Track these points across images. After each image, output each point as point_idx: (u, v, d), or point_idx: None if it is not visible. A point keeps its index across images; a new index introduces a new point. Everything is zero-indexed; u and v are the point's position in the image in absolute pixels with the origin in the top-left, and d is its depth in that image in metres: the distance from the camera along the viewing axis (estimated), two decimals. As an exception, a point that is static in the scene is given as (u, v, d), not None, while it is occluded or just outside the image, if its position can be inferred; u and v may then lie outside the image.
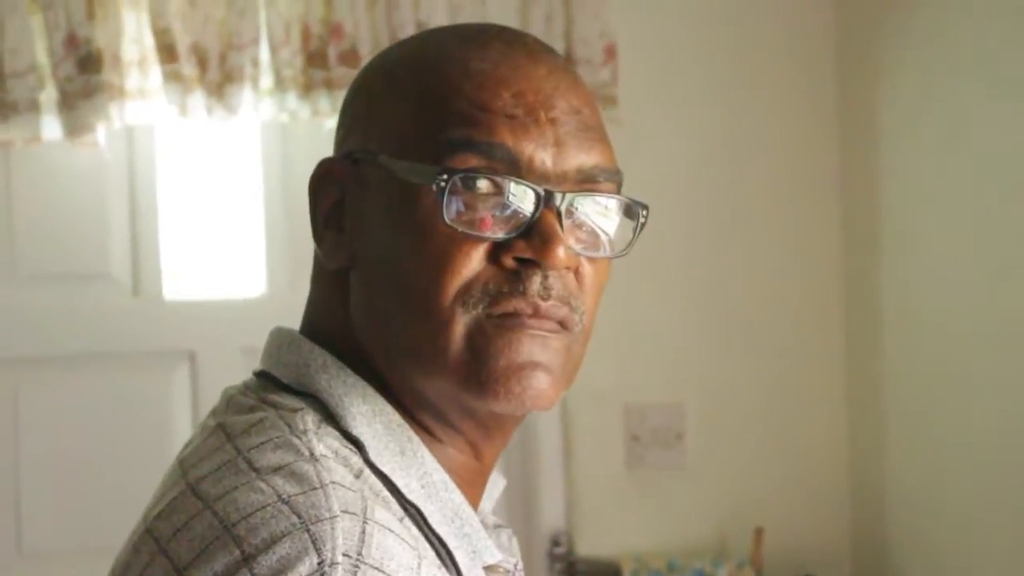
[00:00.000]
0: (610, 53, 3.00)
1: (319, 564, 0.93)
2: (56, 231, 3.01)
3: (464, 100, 1.05)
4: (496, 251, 1.04)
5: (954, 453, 2.87)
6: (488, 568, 1.09)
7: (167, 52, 2.77)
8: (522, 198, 1.04)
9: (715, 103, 3.18)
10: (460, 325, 1.04)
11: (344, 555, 0.94)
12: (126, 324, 3.04)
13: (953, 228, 2.86)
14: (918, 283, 2.98)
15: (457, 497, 1.07)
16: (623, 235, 1.11)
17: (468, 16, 2.90)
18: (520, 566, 1.14)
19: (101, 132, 2.80)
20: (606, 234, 1.10)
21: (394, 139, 1.07)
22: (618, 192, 1.10)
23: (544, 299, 1.04)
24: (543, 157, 1.05)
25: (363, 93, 1.12)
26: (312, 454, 1.00)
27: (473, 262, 1.04)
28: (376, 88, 1.11)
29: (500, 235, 1.04)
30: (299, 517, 0.94)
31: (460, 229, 1.03)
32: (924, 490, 2.98)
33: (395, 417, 1.07)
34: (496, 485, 1.19)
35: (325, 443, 1.02)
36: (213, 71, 2.79)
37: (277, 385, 1.09)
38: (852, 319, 3.20)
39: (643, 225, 1.11)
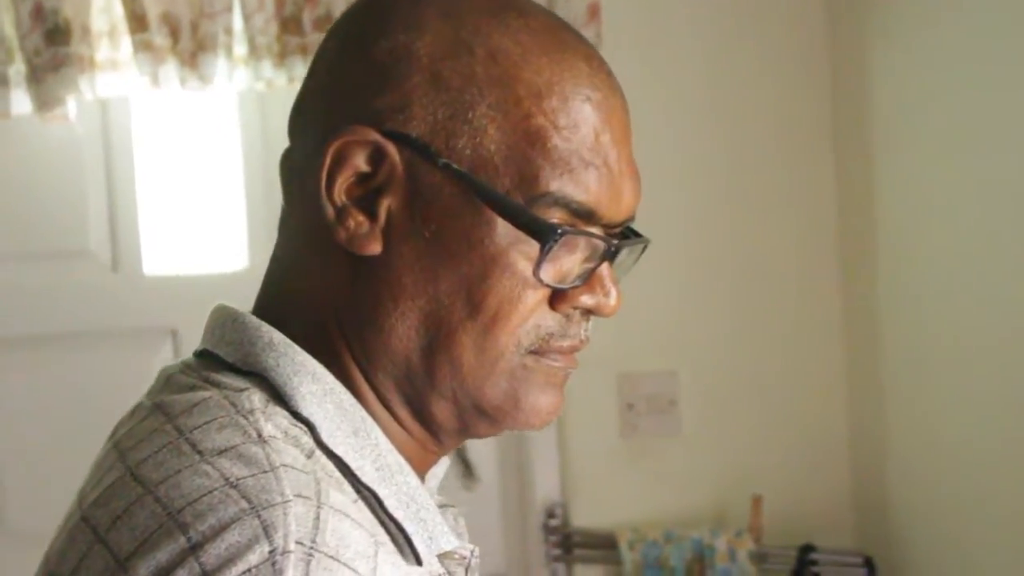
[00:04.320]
0: (593, 12, 2.92)
1: (270, 553, 0.88)
2: (32, 208, 2.96)
3: (561, 141, 1.02)
4: (553, 295, 1.04)
5: (954, 419, 2.81)
6: (444, 555, 1.05)
7: (137, 21, 2.70)
8: (588, 248, 1.05)
9: (704, 65, 3.10)
10: (507, 363, 1.03)
11: (297, 543, 0.89)
12: (106, 301, 2.98)
13: (951, 190, 2.79)
14: (915, 247, 2.92)
15: (413, 480, 1.03)
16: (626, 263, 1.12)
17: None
18: (477, 552, 1.09)
19: (72, 106, 2.73)
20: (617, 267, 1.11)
21: (473, 155, 1.01)
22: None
23: (583, 341, 1.07)
24: (612, 208, 1.05)
25: (424, 71, 1.02)
26: (260, 435, 0.95)
27: (536, 306, 1.03)
28: (447, 76, 1.02)
29: (569, 285, 1.04)
30: (248, 502, 0.89)
31: (545, 282, 1.02)
32: (925, 456, 2.92)
33: (347, 397, 1.03)
34: (441, 464, 1.15)
35: (274, 423, 0.97)
36: (185, 40, 2.71)
37: (221, 365, 1.04)
38: (849, 284, 3.14)
39: (639, 257, 1.13)
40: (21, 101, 2.72)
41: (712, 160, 3.11)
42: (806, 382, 3.14)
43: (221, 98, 2.97)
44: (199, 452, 0.93)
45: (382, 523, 1.00)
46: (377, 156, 1.02)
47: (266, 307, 1.08)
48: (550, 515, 3.07)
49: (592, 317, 1.08)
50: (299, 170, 1.06)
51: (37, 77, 2.69)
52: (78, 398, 2.92)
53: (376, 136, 1.02)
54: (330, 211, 1.02)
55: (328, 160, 1.02)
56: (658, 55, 3.07)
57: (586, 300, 1.05)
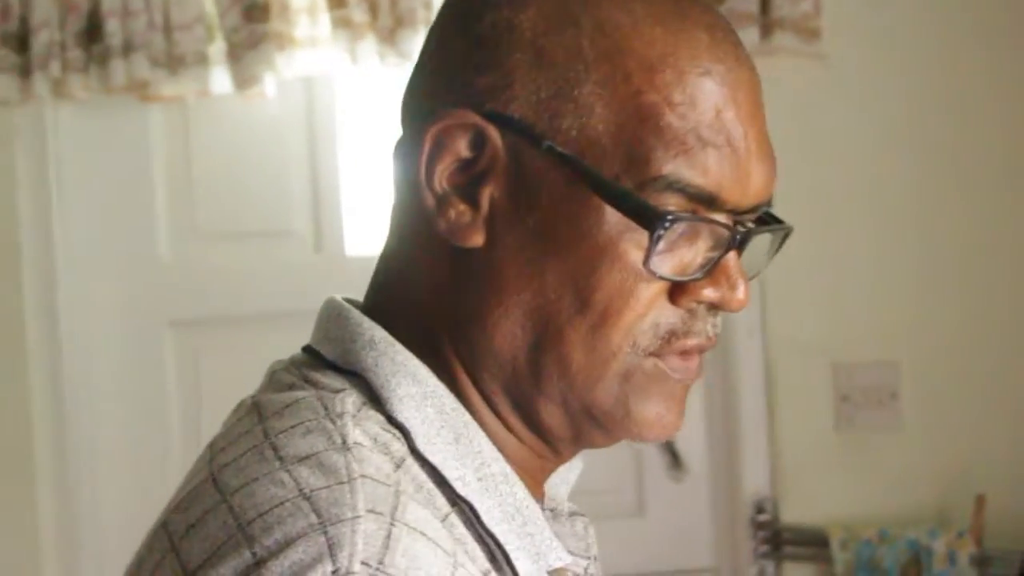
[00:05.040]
0: (815, -6, 2.78)
1: (333, 573, 0.82)
2: (235, 187, 2.96)
3: (675, 119, 0.92)
4: (673, 288, 0.95)
5: None
6: (554, 572, 0.96)
7: (336, -3, 2.66)
8: (710, 236, 0.95)
9: (932, 36, 2.93)
10: (621, 364, 0.94)
11: (363, 563, 0.82)
12: (308, 281, 2.96)
13: None
14: None
15: (520, 491, 0.95)
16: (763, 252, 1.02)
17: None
18: (592, 568, 1.02)
19: (270, 83, 2.71)
20: (751, 255, 1.00)
21: (579, 136, 0.93)
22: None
23: (710, 339, 0.97)
24: (737, 191, 0.94)
25: (527, 47, 0.94)
26: (345, 442, 0.88)
27: (652, 300, 0.94)
28: (551, 51, 0.93)
29: (688, 277, 0.94)
30: (318, 516, 0.83)
31: (658, 274, 0.93)
32: None
33: (449, 400, 0.95)
34: (572, 469, 1.07)
35: (363, 428, 0.90)
36: (384, 16, 2.67)
37: (324, 363, 0.97)
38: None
39: (781, 246, 1.02)
40: (221, 79, 2.71)
41: (934, 136, 2.94)
42: (1038, 375, 2.96)
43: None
44: (280, 458, 0.87)
45: (479, 537, 0.92)
46: (479, 140, 0.94)
47: (374, 301, 1.01)
48: (759, 510, 2.96)
49: (721, 312, 0.97)
50: (403, 158, 0.98)
51: (235, 55, 2.68)
52: (279, 379, 2.91)
53: (477, 119, 0.93)
54: (430, 200, 0.94)
55: (427, 146, 0.94)
56: (882, 26, 2.92)
57: (709, 294, 0.95)
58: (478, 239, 0.94)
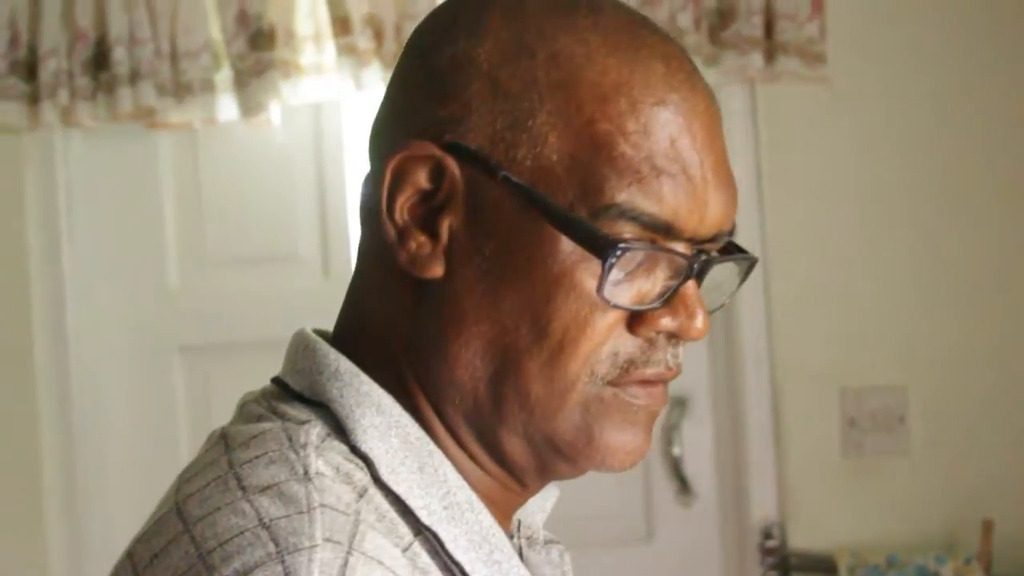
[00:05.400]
0: (817, 6, 2.79)
1: None
2: (243, 214, 2.97)
3: (629, 148, 0.93)
4: (631, 317, 0.95)
5: None
6: None
7: (341, 25, 2.68)
8: (668, 265, 0.95)
9: (938, 60, 2.93)
10: (580, 394, 0.95)
11: None
12: (317, 307, 2.94)
13: None
14: None
15: (486, 519, 0.95)
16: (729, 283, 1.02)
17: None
18: None
19: (276, 111, 2.72)
20: (716, 286, 1.01)
21: (534, 166, 0.93)
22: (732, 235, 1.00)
23: (671, 369, 0.97)
24: (694, 220, 0.95)
25: (483, 78, 0.94)
26: (307, 472, 0.89)
27: (610, 329, 0.94)
28: (506, 83, 0.94)
29: (644, 306, 0.94)
30: (276, 545, 0.84)
31: (613, 302, 0.93)
32: None
33: (414, 430, 0.95)
34: (548, 497, 1.07)
35: (326, 458, 0.91)
36: (389, 42, 2.68)
37: (292, 394, 0.98)
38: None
39: (746, 277, 1.02)
40: (227, 107, 2.73)
41: (939, 161, 2.94)
42: (1047, 400, 2.95)
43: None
44: (242, 488, 0.88)
45: (445, 566, 0.93)
46: (438, 172, 0.95)
47: (342, 333, 1.02)
48: (767, 535, 2.95)
49: (682, 346, 0.97)
50: (368, 190, 0.99)
51: (241, 82, 2.69)
52: (287, 405, 2.91)
53: (436, 150, 0.94)
54: (391, 232, 0.95)
55: (388, 177, 0.95)
56: (885, 49, 2.91)
57: (667, 323, 0.95)
58: (438, 270, 0.95)
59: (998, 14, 2.93)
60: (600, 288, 0.92)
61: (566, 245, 0.92)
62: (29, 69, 2.73)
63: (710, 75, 2.78)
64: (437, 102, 0.95)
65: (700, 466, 2.99)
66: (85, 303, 2.96)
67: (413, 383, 0.97)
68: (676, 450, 2.98)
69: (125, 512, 2.96)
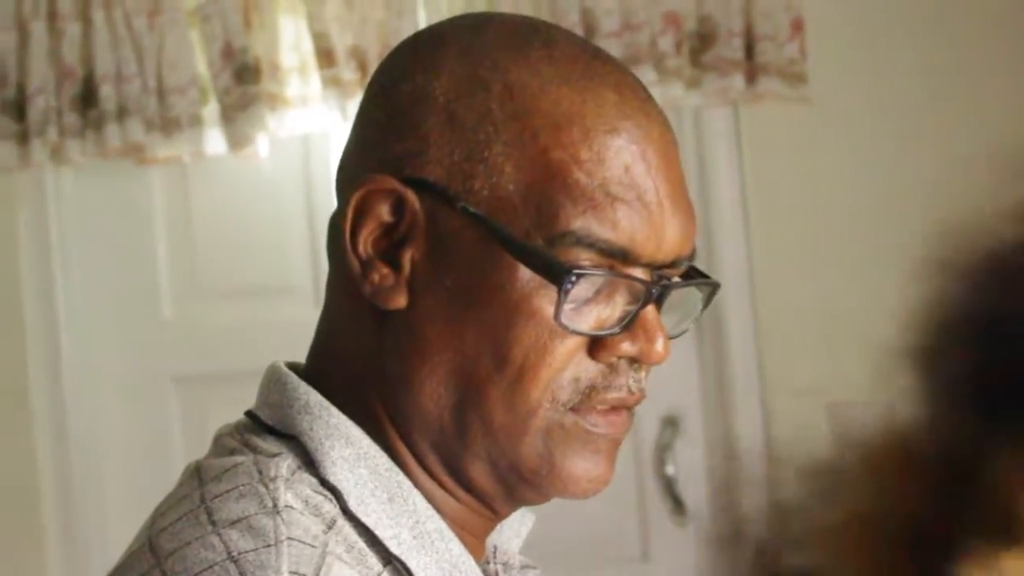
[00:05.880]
0: (796, 27, 2.81)
1: None
2: (236, 246, 3.00)
3: (583, 175, 0.95)
4: (592, 343, 0.97)
5: None
6: None
7: (325, 57, 2.71)
8: (627, 291, 0.97)
9: (918, 78, 2.95)
10: (541, 420, 0.97)
11: None
12: (309, 336, 2.97)
13: None
14: None
15: (456, 547, 0.97)
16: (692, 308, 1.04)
17: (641, 2, 2.75)
18: None
19: (263, 143, 2.75)
20: (679, 312, 1.04)
21: (491, 196, 0.96)
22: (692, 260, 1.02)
23: (633, 394, 0.99)
24: (651, 245, 0.97)
25: (440, 112, 0.97)
26: (275, 505, 0.91)
27: (570, 355, 0.96)
28: (462, 115, 0.97)
29: (603, 332, 0.96)
30: None
31: (571, 328, 0.95)
32: None
33: (383, 460, 0.98)
34: (524, 522, 1.10)
35: (295, 491, 0.93)
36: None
37: (264, 427, 1.00)
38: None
39: (709, 302, 1.04)
40: (215, 140, 2.75)
41: (927, 174, 2.95)
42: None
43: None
44: (213, 522, 0.91)
45: None
46: (400, 205, 0.97)
47: (312, 365, 1.04)
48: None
49: (644, 371, 0.99)
50: (333, 225, 1.01)
51: (228, 116, 2.72)
52: (282, 434, 2.93)
53: (396, 184, 0.97)
54: (355, 265, 0.98)
55: (351, 212, 0.97)
56: (865, 66, 2.94)
57: (628, 348, 0.97)
58: (401, 301, 0.97)
59: (976, 30, 2.96)
60: (557, 314, 0.94)
61: (524, 273, 0.94)
62: (18, 108, 2.76)
63: (692, 98, 2.81)
64: (396, 137, 0.98)
65: (694, 485, 3.00)
66: (80, 337, 2.98)
67: (381, 413, 0.99)
68: (670, 469, 2.99)
69: (123, 543, 2.97)
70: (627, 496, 2.99)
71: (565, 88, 0.96)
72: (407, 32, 2.64)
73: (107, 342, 3.00)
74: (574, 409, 0.97)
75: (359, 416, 0.98)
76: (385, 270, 0.97)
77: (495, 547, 1.07)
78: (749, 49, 2.78)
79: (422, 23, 2.72)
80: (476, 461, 0.98)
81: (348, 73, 2.70)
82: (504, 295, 0.95)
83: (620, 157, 0.96)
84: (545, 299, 0.95)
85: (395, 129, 0.98)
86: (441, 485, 1.00)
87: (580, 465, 0.98)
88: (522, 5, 2.73)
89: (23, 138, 2.75)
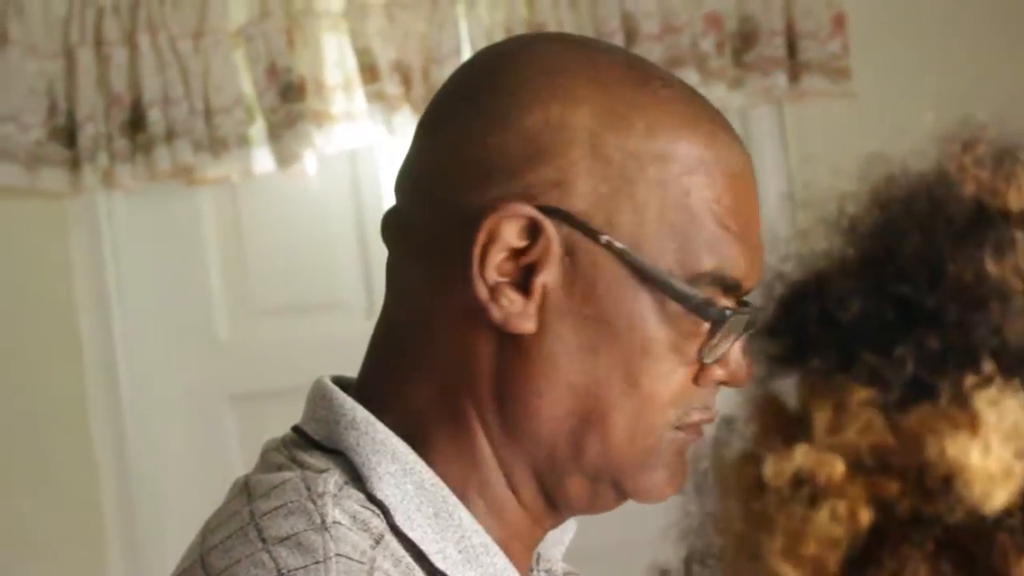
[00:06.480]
0: (838, 23, 2.81)
1: None
2: (287, 263, 3.02)
3: (718, 218, 1.00)
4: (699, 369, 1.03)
5: None
6: None
7: (369, 72, 2.73)
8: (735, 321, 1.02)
9: (963, 71, 2.93)
10: (655, 440, 1.01)
11: None
12: (362, 351, 2.99)
13: None
14: None
15: (500, 561, 0.98)
16: None
17: (681, 2, 2.75)
18: None
19: (311, 160, 2.77)
20: None
21: (634, 232, 0.98)
22: None
23: (713, 413, 1.03)
24: (753, 278, 1.02)
25: (583, 144, 0.98)
26: (323, 522, 0.93)
27: (688, 383, 1.01)
28: (607, 151, 0.98)
29: (712, 359, 1.01)
30: None
31: (706, 362, 1.00)
32: None
33: (428, 476, 0.98)
34: (566, 531, 1.10)
35: (343, 507, 0.95)
36: (417, 87, 2.72)
37: (311, 442, 1.01)
38: None
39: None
40: (263, 159, 2.78)
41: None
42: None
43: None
44: (263, 539, 0.92)
45: None
46: (532, 231, 0.97)
47: (372, 378, 1.05)
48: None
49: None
50: (421, 238, 1.01)
51: (275, 134, 2.74)
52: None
53: (533, 212, 0.97)
54: (483, 291, 0.97)
55: (481, 237, 0.97)
56: (907, 63, 2.93)
57: (720, 373, 1.01)
58: (531, 326, 0.97)
59: (1021, 21, 2.95)
60: (702, 350, 0.99)
61: (664, 307, 0.98)
62: (69, 135, 2.79)
63: (736, 98, 2.81)
64: (531, 164, 0.98)
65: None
66: (136, 358, 3.01)
67: (476, 425, 1.00)
68: (727, 470, 2.99)
69: (187, 563, 3.00)
70: (672, 501, 2.99)
71: (695, 131, 1.00)
72: (449, 45, 2.67)
73: (163, 362, 3.03)
74: (676, 428, 1.01)
75: (446, 422, 0.99)
76: (514, 295, 0.98)
77: (538, 554, 1.08)
78: (791, 47, 2.78)
79: (464, 35, 2.73)
80: (579, 477, 1.00)
81: (392, 87, 2.72)
82: (644, 328, 0.98)
83: (740, 199, 1.01)
84: (679, 333, 0.98)
85: (529, 156, 0.98)
86: (516, 494, 1.01)
87: (669, 476, 1.01)
88: (564, 11, 2.74)
89: (74, 164, 2.79)
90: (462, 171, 1.00)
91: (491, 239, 0.97)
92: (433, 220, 1.01)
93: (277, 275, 3.03)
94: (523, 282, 0.98)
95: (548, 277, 0.97)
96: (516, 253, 0.97)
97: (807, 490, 0.69)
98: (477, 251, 0.97)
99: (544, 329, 0.98)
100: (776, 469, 0.70)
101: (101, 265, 2.97)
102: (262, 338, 3.03)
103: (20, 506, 2.91)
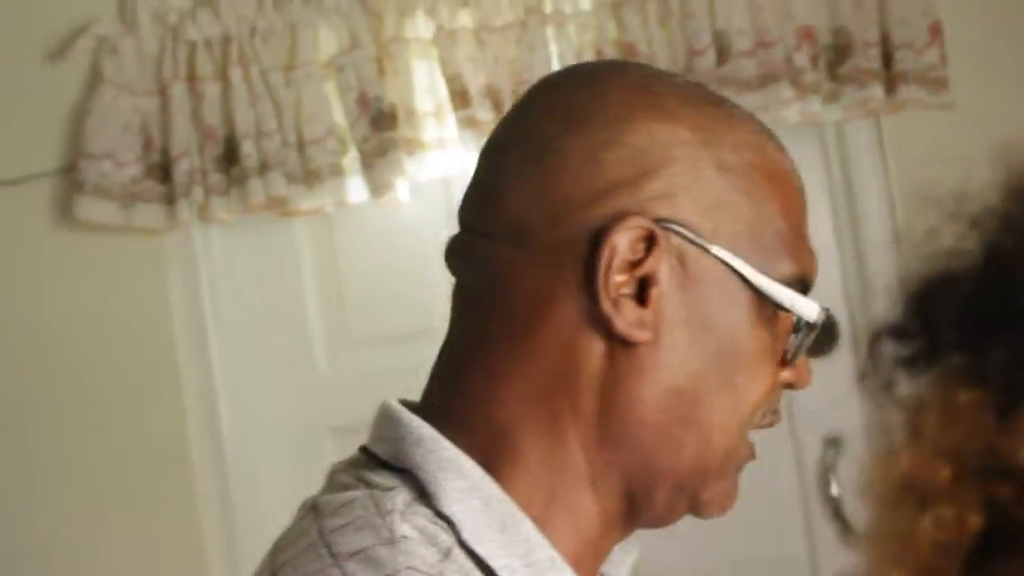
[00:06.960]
0: (935, 32, 2.76)
1: None
2: (384, 292, 3.02)
3: (791, 223, 1.06)
4: None
5: None
6: None
7: (460, 98, 2.72)
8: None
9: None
10: (737, 443, 1.06)
11: None
12: (461, 378, 2.99)
13: None
14: None
15: (567, 575, 1.00)
16: None
17: (772, 17, 2.72)
18: None
19: (404, 188, 2.77)
20: None
21: (732, 241, 1.04)
22: None
23: (780, 414, 1.10)
24: (814, 280, 1.08)
25: (686, 160, 1.04)
26: (392, 537, 0.95)
27: (774, 385, 1.07)
28: (704, 164, 1.04)
29: (794, 361, 1.08)
30: None
31: (792, 362, 1.06)
32: None
33: (494, 491, 1.00)
34: (629, 551, 1.13)
35: (412, 522, 0.97)
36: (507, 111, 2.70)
37: (377, 462, 1.03)
38: None
39: None
40: (356, 189, 2.78)
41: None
42: None
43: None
44: (333, 555, 0.94)
45: None
46: (647, 243, 1.02)
47: (445, 395, 1.06)
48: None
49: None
50: (516, 257, 1.04)
51: (368, 163, 2.74)
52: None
53: (649, 224, 1.01)
54: (607, 303, 1.01)
55: (605, 252, 1.01)
56: (1006, 71, 2.87)
57: (787, 376, 1.07)
58: (648, 335, 1.01)
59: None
60: (798, 352, 1.05)
61: (766, 312, 1.04)
62: (163, 171, 2.81)
63: (832, 112, 2.78)
64: (642, 179, 1.03)
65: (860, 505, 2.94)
66: (236, 392, 3.02)
67: (572, 437, 1.02)
68: (835, 491, 2.94)
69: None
70: (793, 520, 2.95)
71: (767, 145, 1.07)
72: (540, 68, 2.65)
73: (263, 396, 3.04)
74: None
75: (544, 435, 1.01)
76: (632, 306, 1.02)
77: (602, 574, 1.10)
78: (887, 58, 2.74)
79: (554, 58, 2.72)
80: (669, 484, 1.03)
81: (483, 113, 2.71)
82: (753, 335, 1.03)
83: (800, 205, 1.08)
84: (775, 337, 1.04)
85: (640, 171, 1.03)
86: (599, 503, 1.03)
87: (731, 488, 1.07)
88: (653, 29, 2.71)
89: (170, 200, 2.80)
90: (575, 187, 1.03)
91: (613, 253, 1.01)
92: (540, 237, 1.03)
93: (374, 305, 3.03)
94: (641, 293, 1.01)
95: (662, 287, 1.02)
96: (631, 265, 1.01)
97: (915, 495, 0.69)
98: (601, 265, 1.01)
99: (659, 339, 1.02)
100: (882, 475, 0.70)
101: (199, 299, 2.98)
102: (362, 369, 3.03)
103: (122, 542, 2.93)
